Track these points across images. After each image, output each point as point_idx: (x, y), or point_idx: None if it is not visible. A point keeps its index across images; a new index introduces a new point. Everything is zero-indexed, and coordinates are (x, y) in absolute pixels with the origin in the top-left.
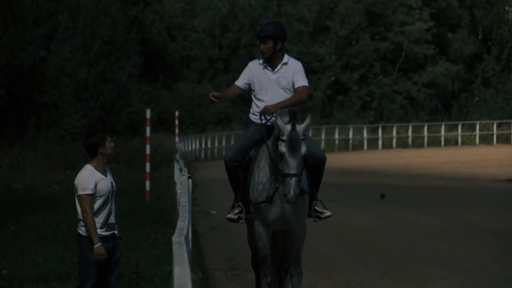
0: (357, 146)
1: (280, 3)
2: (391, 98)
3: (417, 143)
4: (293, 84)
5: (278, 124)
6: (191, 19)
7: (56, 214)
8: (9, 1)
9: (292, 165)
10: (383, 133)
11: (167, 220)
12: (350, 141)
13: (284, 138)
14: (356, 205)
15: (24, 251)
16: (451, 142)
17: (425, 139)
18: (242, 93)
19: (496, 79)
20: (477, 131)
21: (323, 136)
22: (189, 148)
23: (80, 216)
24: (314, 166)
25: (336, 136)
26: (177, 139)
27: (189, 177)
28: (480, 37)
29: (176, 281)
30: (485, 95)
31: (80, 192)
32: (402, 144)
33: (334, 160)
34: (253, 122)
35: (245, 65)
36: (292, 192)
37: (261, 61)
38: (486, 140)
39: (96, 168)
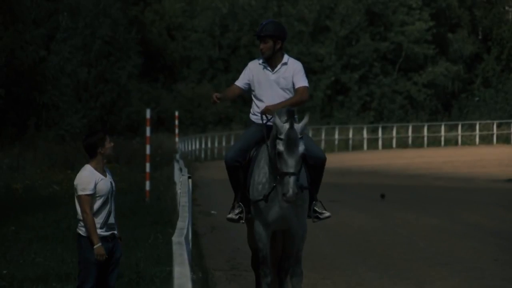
0: (357, 146)
1: (280, 3)
2: (391, 98)
3: (417, 143)
4: (294, 85)
5: (276, 123)
6: (191, 19)
7: (56, 214)
8: (9, 1)
9: (290, 163)
10: (383, 133)
11: (167, 220)
12: (350, 141)
13: (282, 136)
14: (356, 205)
15: (24, 251)
16: (451, 142)
17: (425, 139)
18: (242, 93)
19: (496, 79)
20: (477, 131)
21: (323, 136)
22: (189, 148)
23: (79, 216)
24: (314, 166)
25: (336, 136)
26: (177, 139)
27: (189, 177)
28: (480, 37)
29: (176, 281)
30: (485, 95)
31: (80, 193)
32: (402, 144)
33: (334, 160)
34: (254, 122)
35: (245, 65)
36: (290, 191)
37: (261, 61)
38: (486, 140)
39: (95, 168)
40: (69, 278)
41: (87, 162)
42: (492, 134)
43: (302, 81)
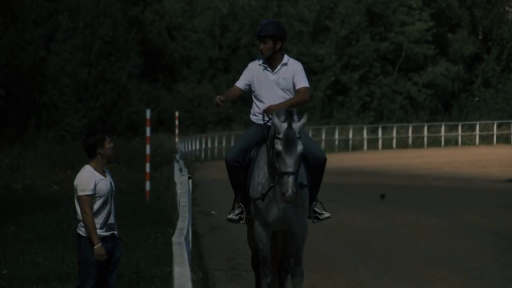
0: (357, 146)
1: (280, 3)
2: (391, 98)
3: (417, 143)
4: (294, 85)
5: (275, 122)
6: (191, 19)
7: (56, 214)
8: (9, 1)
9: (289, 163)
10: (383, 133)
11: (167, 220)
12: (350, 141)
13: (281, 136)
14: (356, 205)
15: (24, 251)
16: (451, 142)
17: (425, 139)
18: (242, 94)
19: (496, 79)
20: (477, 131)
21: (323, 136)
22: (189, 148)
23: (79, 216)
24: (314, 166)
25: (336, 136)
26: (177, 139)
27: (189, 177)
28: (480, 37)
29: (176, 281)
30: (485, 95)
31: (80, 193)
32: (402, 144)
33: (334, 160)
34: (254, 123)
35: (245, 65)
36: (290, 190)
37: (261, 62)
38: (486, 140)
39: (95, 169)
40: (69, 278)
41: (87, 162)
42: (492, 134)
43: (303, 82)
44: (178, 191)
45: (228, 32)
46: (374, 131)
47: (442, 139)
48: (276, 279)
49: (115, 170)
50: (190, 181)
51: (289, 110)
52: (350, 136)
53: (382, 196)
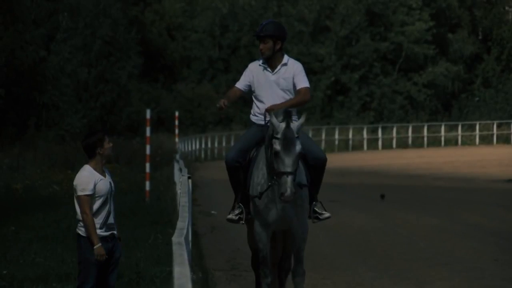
0: (357, 146)
1: (280, 3)
2: (391, 99)
3: (417, 143)
4: (295, 86)
5: (273, 122)
6: (191, 19)
7: (56, 214)
8: (9, 1)
9: (287, 163)
10: (383, 133)
11: (167, 220)
12: (350, 142)
13: (279, 136)
14: (356, 206)
15: (24, 251)
16: (451, 142)
17: (425, 139)
18: (243, 95)
19: (496, 79)
20: (477, 131)
21: (323, 136)
22: (189, 148)
23: (79, 216)
24: (314, 166)
25: (336, 136)
26: (177, 139)
27: (189, 177)
28: (480, 37)
29: (176, 281)
30: (485, 95)
31: (80, 193)
32: (402, 144)
33: (334, 160)
34: (254, 123)
35: (245, 65)
36: (288, 190)
37: (261, 62)
38: (486, 140)
39: (94, 169)
40: (69, 278)
41: (87, 163)
42: (492, 134)
43: (303, 82)
44: (178, 191)
45: (228, 32)
46: (374, 131)
47: (442, 139)
48: (276, 279)
49: (115, 170)
50: (190, 181)
51: (287, 110)
52: (350, 136)
53: (382, 196)
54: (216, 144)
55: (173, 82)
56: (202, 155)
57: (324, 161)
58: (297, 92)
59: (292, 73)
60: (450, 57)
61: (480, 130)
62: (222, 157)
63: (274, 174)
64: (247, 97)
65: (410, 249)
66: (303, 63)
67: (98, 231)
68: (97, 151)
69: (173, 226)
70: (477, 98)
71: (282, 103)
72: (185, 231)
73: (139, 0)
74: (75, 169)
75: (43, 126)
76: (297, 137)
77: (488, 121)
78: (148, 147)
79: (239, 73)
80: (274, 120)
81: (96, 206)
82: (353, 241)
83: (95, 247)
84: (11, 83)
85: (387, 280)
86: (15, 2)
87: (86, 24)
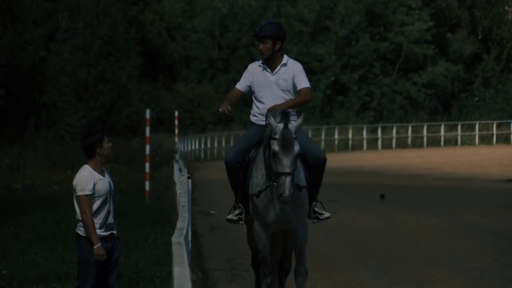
0: (357, 146)
1: (280, 3)
2: (391, 98)
3: (417, 143)
4: (295, 86)
5: (271, 123)
6: (191, 19)
7: (56, 214)
8: (9, 1)
9: (286, 163)
10: (382, 133)
11: (166, 220)
12: (350, 141)
13: (277, 136)
14: (356, 206)
15: (24, 251)
16: (450, 142)
17: (425, 139)
18: (244, 96)
19: (496, 79)
20: (477, 131)
21: (323, 136)
22: (189, 148)
23: (79, 216)
24: (314, 167)
25: (336, 136)
26: (176, 139)
27: (188, 177)
28: (480, 37)
29: (176, 281)
30: (484, 95)
31: (79, 193)
32: (402, 144)
33: (334, 160)
34: (254, 123)
35: (245, 65)
36: (287, 191)
37: (260, 63)
38: (485, 140)
39: (94, 169)
40: (69, 278)
41: (86, 163)
42: (492, 134)
43: (304, 82)
44: (178, 191)
45: (228, 32)
46: (373, 131)
47: (442, 139)
48: (276, 279)
49: (115, 170)
50: (189, 181)
51: (285, 111)
52: (350, 136)
53: (382, 196)
54: (215, 144)
55: (172, 82)
56: (202, 155)
57: (323, 161)
58: (298, 92)
59: (292, 74)
60: (450, 57)
61: (479, 130)
62: (221, 157)
63: (272, 175)
64: (247, 97)
65: (410, 249)
66: (303, 63)
67: (98, 231)
68: (97, 151)
69: (172, 226)
70: (476, 98)
71: (283, 104)
72: (184, 231)
73: (138, 0)
74: (75, 169)
75: (43, 126)
76: (295, 137)
77: (488, 121)
78: (147, 147)
79: (239, 73)
80: (272, 121)
81: (95, 206)
82: (353, 241)
83: (94, 247)
84: (11, 83)
85: (387, 280)
86: (15, 2)
87: (85, 24)
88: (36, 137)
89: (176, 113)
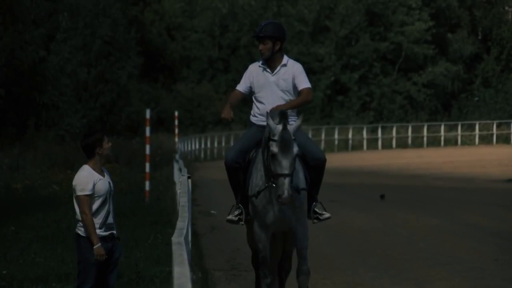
0: (357, 146)
1: (280, 3)
2: (391, 98)
3: (417, 143)
4: (296, 86)
5: (270, 124)
6: (191, 19)
7: (56, 214)
8: (9, 1)
9: (284, 165)
10: (382, 133)
11: (166, 220)
12: (350, 141)
13: (276, 138)
14: (356, 206)
15: (24, 251)
16: (450, 142)
17: (425, 139)
18: (245, 97)
19: (496, 79)
20: (477, 131)
21: (323, 136)
22: (189, 148)
23: (78, 216)
24: (314, 167)
25: (336, 136)
26: (176, 139)
27: (188, 177)
28: (480, 37)
29: (176, 281)
30: (484, 95)
31: (79, 193)
32: (402, 144)
33: (334, 160)
34: (254, 124)
35: (245, 65)
36: (286, 192)
37: (260, 63)
38: (485, 140)
39: (93, 169)
40: (69, 278)
41: (86, 163)
42: (492, 134)
43: (304, 83)
44: (178, 191)
45: (228, 32)
46: (373, 131)
47: (442, 139)
48: (276, 279)
49: (114, 170)
50: (189, 181)
51: (283, 112)
52: (350, 136)
53: (382, 196)
54: (215, 144)
55: (172, 82)
56: (202, 155)
57: (323, 161)
58: (299, 93)
59: (292, 74)
60: (450, 57)
61: (479, 130)
62: (221, 157)
63: (271, 176)
64: (247, 97)
65: (410, 249)
66: (303, 63)
67: (98, 231)
68: (96, 151)
69: (172, 226)
70: (476, 98)
71: (285, 104)
72: (184, 231)
73: (138, 0)
74: (75, 169)
75: (43, 126)
76: (294, 139)
77: (488, 121)
78: (147, 147)
79: (239, 73)
80: (271, 122)
81: (95, 206)
82: (353, 241)
83: (94, 247)
84: (11, 83)
85: (387, 280)
86: (15, 2)
87: (85, 24)
88: (36, 137)
89: (176, 113)
